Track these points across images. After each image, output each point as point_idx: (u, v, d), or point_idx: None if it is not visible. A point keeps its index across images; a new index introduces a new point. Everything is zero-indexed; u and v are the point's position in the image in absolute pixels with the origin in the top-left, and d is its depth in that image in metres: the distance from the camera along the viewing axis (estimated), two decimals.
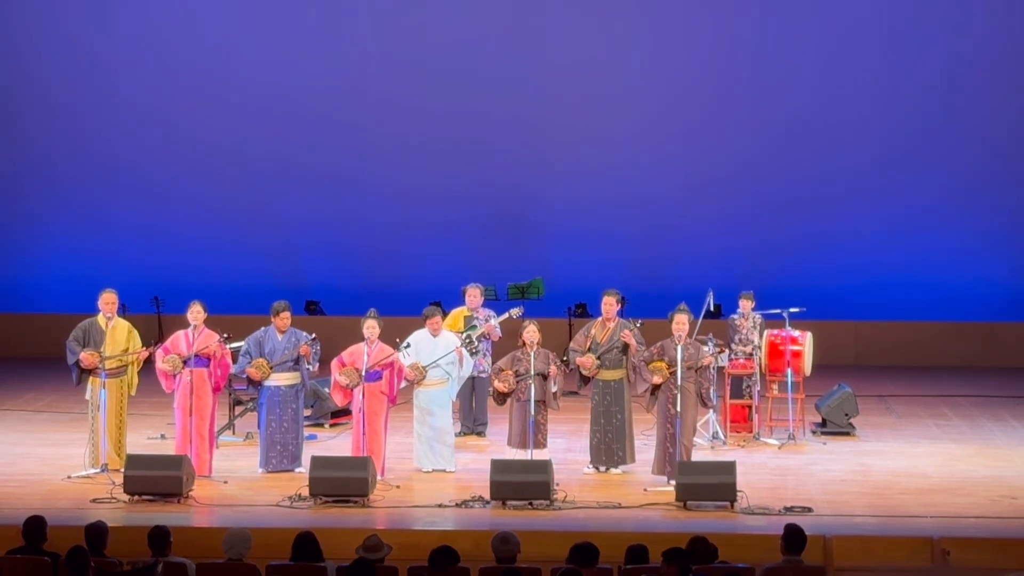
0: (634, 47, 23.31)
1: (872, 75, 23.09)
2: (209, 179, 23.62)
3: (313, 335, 15.77)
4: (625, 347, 15.60)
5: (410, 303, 19.16)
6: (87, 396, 15.63)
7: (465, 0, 23.09)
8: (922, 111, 23.08)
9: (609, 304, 15.83)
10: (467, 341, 16.70)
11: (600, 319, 15.91)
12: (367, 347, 15.38)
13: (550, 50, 23.28)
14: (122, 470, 14.57)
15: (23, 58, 23.53)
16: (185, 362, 15.34)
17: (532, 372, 15.29)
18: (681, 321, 15.25)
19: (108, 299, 15.69)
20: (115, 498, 14.16)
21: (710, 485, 14.12)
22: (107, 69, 23.50)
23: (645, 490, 14.78)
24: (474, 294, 17.58)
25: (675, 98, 23.36)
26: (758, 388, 17.48)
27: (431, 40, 23.30)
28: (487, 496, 14.17)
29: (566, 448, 16.41)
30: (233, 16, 23.42)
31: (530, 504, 14.05)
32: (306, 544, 11.44)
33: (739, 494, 13.99)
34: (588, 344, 15.72)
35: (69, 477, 15.17)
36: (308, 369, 15.76)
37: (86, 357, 15.39)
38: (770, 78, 23.24)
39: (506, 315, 17.58)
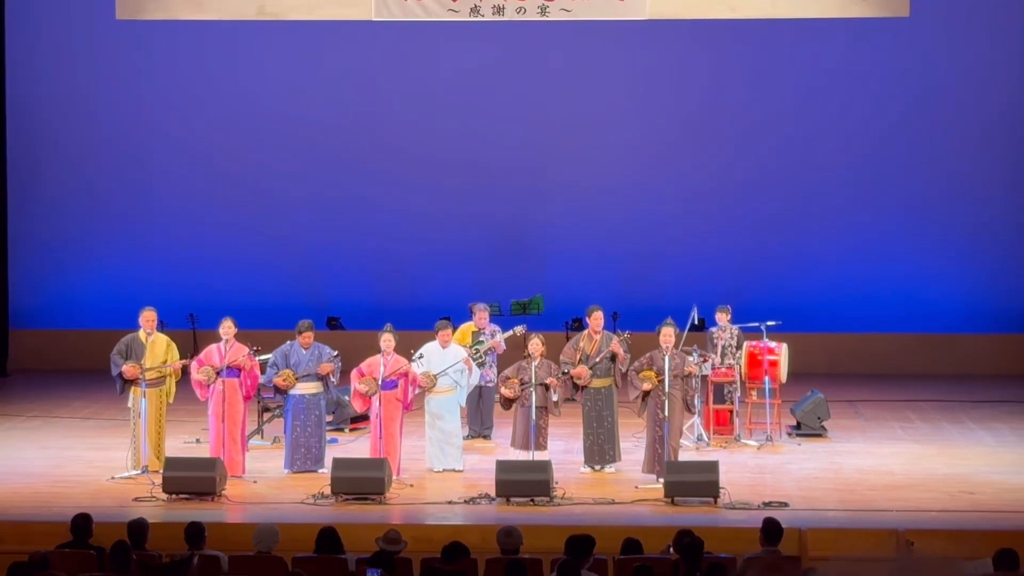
0: (624, 93, 23.33)
1: (843, 114, 23.10)
2: (239, 208, 23.64)
3: (336, 352, 15.81)
4: (613, 356, 15.63)
5: (422, 318, 19.16)
6: (129, 404, 15.64)
7: (472, 52, 23.09)
8: (887, 144, 23.09)
9: (596, 318, 15.89)
10: (474, 354, 16.73)
11: (587, 332, 15.94)
12: (383, 358, 15.41)
13: (548, 95, 23.31)
14: (161, 471, 14.58)
15: (75, 103, 23.58)
16: (218, 373, 15.36)
17: (534, 381, 15.31)
18: (668, 334, 15.29)
19: (148, 316, 15.72)
20: (155, 497, 14.18)
21: (695, 483, 14.14)
22: (147, 111, 23.53)
23: (636, 487, 14.79)
24: (482, 314, 17.59)
25: (661, 136, 23.37)
26: (738, 394, 17.48)
27: (443, 85, 23.32)
28: (493, 493, 14.19)
29: (564, 449, 16.42)
30: (261, 63, 23.45)
31: (532, 501, 14.06)
32: (328, 538, 11.46)
33: (722, 491, 14.00)
34: (578, 356, 15.74)
35: (113, 478, 15.19)
36: (331, 381, 15.80)
37: (128, 369, 15.41)
38: (748, 118, 23.25)
39: (511, 332, 17.59)
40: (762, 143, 23.28)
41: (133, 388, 15.51)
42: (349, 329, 22.56)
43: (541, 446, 15.36)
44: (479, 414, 17.56)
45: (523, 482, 14.20)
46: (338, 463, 14.43)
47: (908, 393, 20.86)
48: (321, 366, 15.57)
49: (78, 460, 16.28)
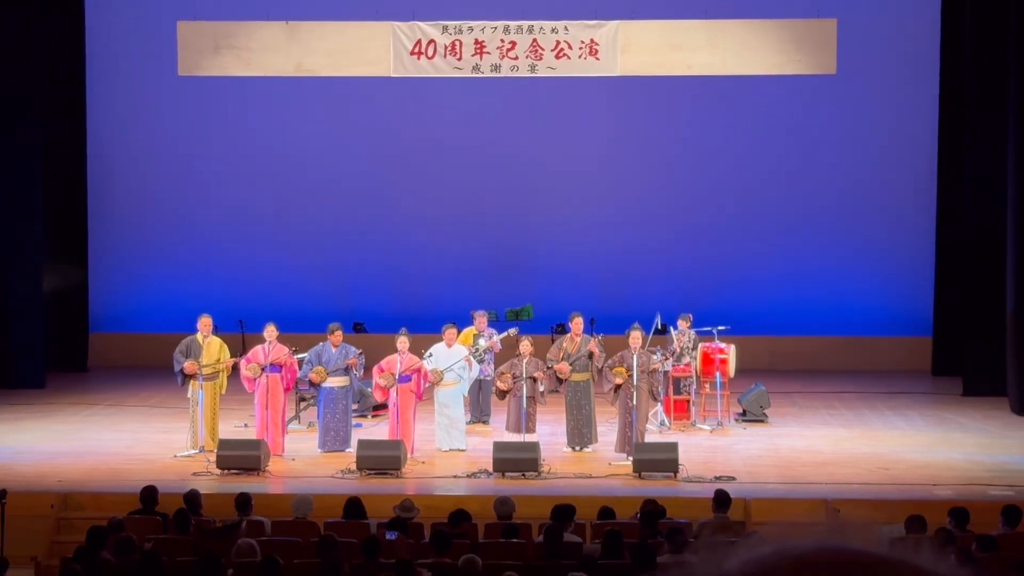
0: (600, 138, 23.39)
1: (781, 153, 23.17)
2: (281, 233, 23.68)
3: (360, 351, 15.83)
4: (590, 355, 15.66)
5: (432, 323, 19.14)
6: (189, 395, 15.67)
7: (475, 103, 23.14)
8: (817, 180, 23.15)
9: (577, 323, 15.94)
10: (474, 351, 16.75)
11: (570, 335, 15.99)
12: (400, 357, 15.44)
13: (538, 139, 23.37)
14: (215, 451, 14.61)
15: (144, 143, 23.63)
16: (263, 369, 15.39)
17: (524, 375, 15.34)
18: (636, 336, 15.32)
19: (205, 321, 15.76)
20: (210, 472, 14.20)
21: (659, 460, 14.17)
22: (205, 150, 23.59)
23: (609, 464, 14.81)
24: (482, 320, 17.63)
25: (631, 174, 23.44)
26: (694, 387, 17.50)
27: (450, 130, 23.39)
28: (491, 469, 14.20)
29: (550, 433, 16.41)
30: (299, 111, 23.51)
31: (523, 475, 14.08)
32: (354, 506, 11.50)
33: (680, 467, 14.02)
34: (561, 355, 15.77)
35: (176, 456, 15.21)
36: (356, 375, 15.84)
37: (188, 365, 15.44)
38: (703, 158, 23.32)
39: (505, 333, 17.63)
40: (715, 179, 23.36)
41: (192, 382, 15.54)
42: (372, 333, 22.58)
43: (531, 430, 15.39)
44: (479, 403, 17.57)
45: (516, 460, 14.22)
46: (362, 444, 14.46)
47: (835, 386, 20.90)
48: (350, 360, 15.63)
49: (146, 441, 16.30)
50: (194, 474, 14.15)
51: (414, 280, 23.65)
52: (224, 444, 14.58)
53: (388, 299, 23.52)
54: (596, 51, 19.44)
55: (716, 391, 17.32)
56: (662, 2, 20.75)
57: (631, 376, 15.10)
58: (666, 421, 17.05)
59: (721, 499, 11.53)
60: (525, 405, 15.32)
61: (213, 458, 14.40)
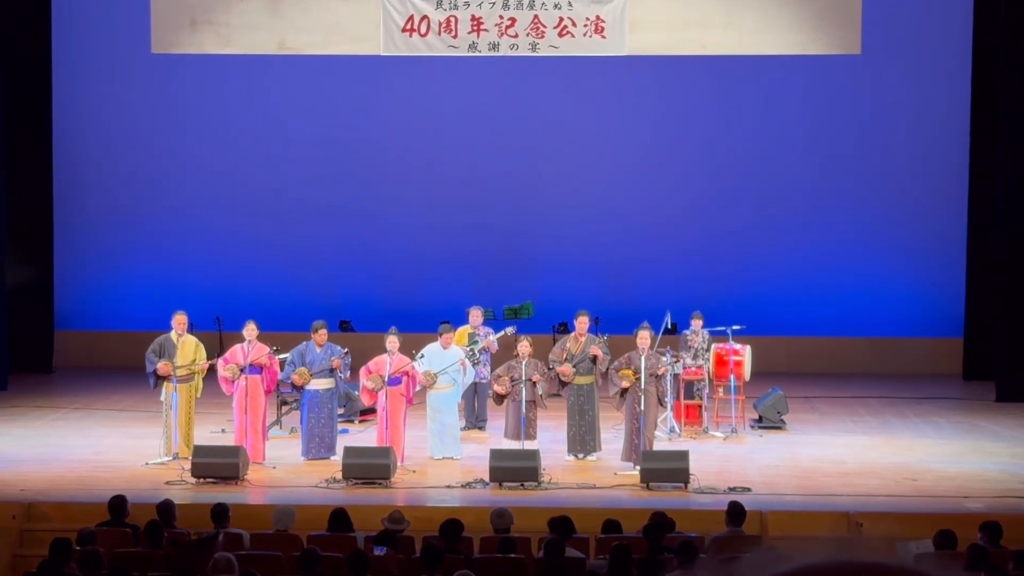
0: (606, 121, 23.41)
1: (801, 139, 23.18)
2: (261, 223, 23.68)
3: (346, 350, 15.85)
4: (594, 358, 15.67)
5: (424, 321, 19.18)
6: (162, 398, 15.68)
7: (470, 84, 23.16)
8: (840, 169, 23.16)
9: (582, 322, 15.94)
10: (470, 354, 16.76)
11: (574, 334, 16.00)
12: (389, 358, 15.45)
13: (538, 122, 23.38)
14: (190, 458, 14.61)
15: (114, 127, 23.63)
16: (242, 370, 15.40)
17: (524, 378, 15.35)
18: (644, 337, 15.33)
19: (179, 319, 15.78)
20: (184, 481, 14.21)
21: (668, 469, 14.17)
22: (180, 135, 23.58)
23: (615, 474, 14.82)
24: (476, 315, 17.65)
25: (639, 159, 23.45)
26: (707, 391, 17.52)
27: (444, 113, 23.39)
28: (487, 479, 14.21)
29: (551, 439, 16.41)
30: (281, 93, 23.50)
31: (522, 485, 14.09)
32: (340, 518, 11.52)
33: (692, 477, 14.03)
34: (564, 356, 15.78)
35: (147, 463, 15.21)
36: (342, 377, 15.86)
37: (161, 366, 15.45)
38: (717, 143, 23.33)
39: (502, 333, 17.64)
40: (729, 165, 23.35)
41: (165, 383, 15.55)
42: (359, 331, 22.59)
43: (530, 436, 15.40)
44: (474, 408, 17.60)
45: (514, 468, 14.23)
46: (348, 451, 14.47)
47: (858, 390, 20.90)
48: (334, 361, 15.65)
49: (116, 447, 16.29)
50: (167, 483, 14.16)
51: (405, 275, 23.66)
52: (200, 451, 14.58)
53: (377, 295, 23.53)
54: (602, 28, 19.45)
55: (730, 395, 17.33)
56: None
57: (639, 379, 15.11)
58: (676, 427, 17.07)
59: (735, 512, 11.54)
60: (524, 410, 15.33)
61: (188, 466, 14.40)
